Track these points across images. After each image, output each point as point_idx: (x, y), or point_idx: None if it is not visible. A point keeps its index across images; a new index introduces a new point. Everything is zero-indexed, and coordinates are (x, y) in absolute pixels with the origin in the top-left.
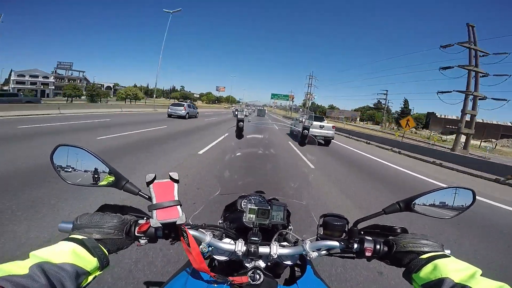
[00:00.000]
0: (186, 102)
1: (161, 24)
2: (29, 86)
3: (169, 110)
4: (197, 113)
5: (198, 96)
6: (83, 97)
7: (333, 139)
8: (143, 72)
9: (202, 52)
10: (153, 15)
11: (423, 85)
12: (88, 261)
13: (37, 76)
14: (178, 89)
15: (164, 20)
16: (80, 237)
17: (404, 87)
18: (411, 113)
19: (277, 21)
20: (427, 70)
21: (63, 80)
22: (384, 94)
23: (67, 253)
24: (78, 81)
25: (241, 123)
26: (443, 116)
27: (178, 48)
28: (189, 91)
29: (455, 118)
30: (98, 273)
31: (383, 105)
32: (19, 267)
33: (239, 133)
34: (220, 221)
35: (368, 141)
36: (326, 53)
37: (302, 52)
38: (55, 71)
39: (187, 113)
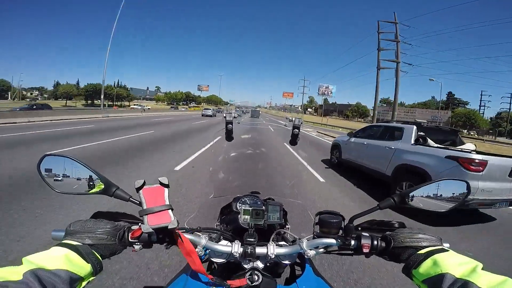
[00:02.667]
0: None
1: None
2: None
3: None
4: None
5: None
6: None
7: None
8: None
9: (182, 48)
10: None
11: None
12: (82, 267)
13: None
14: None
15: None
16: (73, 243)
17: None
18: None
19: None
20: None
21: None
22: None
23: (60, 259)
24: None
25: (230, 125)
26: None
27: (151, 42)
28: (158, 89)
29: None
30: (91, 278)
31: (462, 101)
32: (12, 273)
33: (229, 136)
34: (217, 224)
35: None
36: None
37: (307, 44)
38: None
39: None
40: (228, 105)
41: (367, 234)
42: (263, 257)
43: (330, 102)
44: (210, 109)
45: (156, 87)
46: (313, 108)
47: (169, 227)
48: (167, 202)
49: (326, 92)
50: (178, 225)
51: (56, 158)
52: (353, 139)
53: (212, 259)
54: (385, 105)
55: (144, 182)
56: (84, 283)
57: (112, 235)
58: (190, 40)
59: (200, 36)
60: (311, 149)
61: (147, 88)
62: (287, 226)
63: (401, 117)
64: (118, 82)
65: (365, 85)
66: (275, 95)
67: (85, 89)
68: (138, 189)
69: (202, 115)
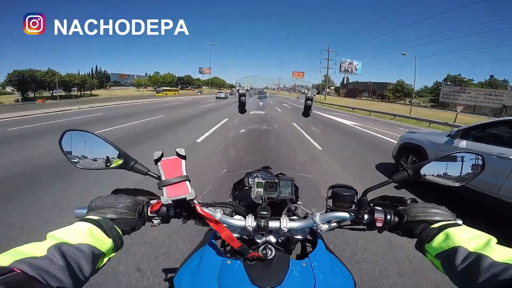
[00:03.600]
0: None
1: None
2: None
3: None
4: None
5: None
6: None
7: None
8: None
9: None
10: None
11: None
12: (104, 242)
13: None
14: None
15: None
16: (95, 217)
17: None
18: None
19: None
20: None
21: None
22: None
23: (84, 234)
24: None
25: (243, 97)
26: None
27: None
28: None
29: None
30: (112, 254)
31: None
32: (37, 249)
33: (242, 108)
34: (230, 199)
35: None
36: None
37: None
38: None
39: None
40: (239, 85)
41: (380, 209)
42: (276, 232)
43: (352, 81)
44: (223, 92)
45: (146, 74)
46: (331, 87)
47: (187, 199)
48: (185, 173)
49: (349, 69)
50: (195, 197)
51: (77, 132)
52: (469, 143)
53: None
54: (450, 83)
55: (162, 154)
56: (105, 259)
57: (132, 210)
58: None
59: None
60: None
61: (135, 76)
62: (298, 202)
63: (481, 101)
64: (97, 68)
65: (398, 62)
66: (284, 75)
67: (10, 78)
68: (156, 161)
69: (217, 98)
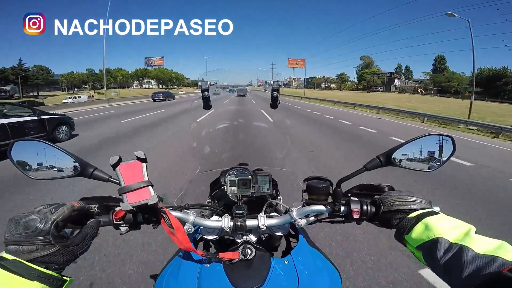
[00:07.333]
0: None
1: None
2: None
3: None
4: None
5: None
6: None
7: None
8: None
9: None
10: None
11: None
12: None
13: None
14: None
15: None
16: (10, 257)
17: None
18: None
19: None
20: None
21: None
22: None
23: None
24: None
25: (206, 93)
26: None
27: None
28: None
29: None
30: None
31: None
32: None
33: (206, 104)
34: (208, 200)
35: None
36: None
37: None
38: None
39: None
40: (202, 80)
41: (356, 199)
42: (256, 230)
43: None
44: (161, 93)
45: (87, 69)
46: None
47: (149, 203)
48: (146, 178)
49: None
50: (158, 201)
51: (27, 143)
52: None
53: (204, 236)
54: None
55: (120, 159)
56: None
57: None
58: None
59: None
60: None
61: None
62: (278, 197)
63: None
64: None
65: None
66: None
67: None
68: (114, 166)
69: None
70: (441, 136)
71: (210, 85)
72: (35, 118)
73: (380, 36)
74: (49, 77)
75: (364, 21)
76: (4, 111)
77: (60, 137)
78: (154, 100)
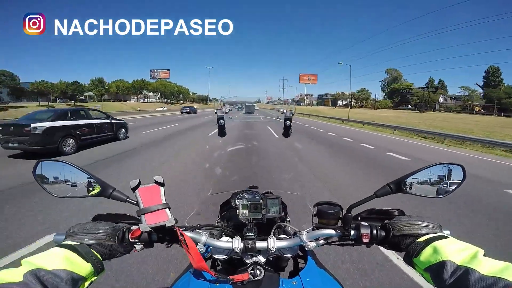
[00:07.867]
0: None
1: None
2: None
3: None
4: None
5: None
6: None
7: None
8: None
9: None
10: None
11: None
12: (82, 267)
13: None
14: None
15: None
16: (72, 243)
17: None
18: None
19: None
20: None
21: None
22: None
23: (59, 259)
24: None
25: (222, 121)
26: None
27: None
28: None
29: None
30: (94, 278)
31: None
32: (13, 275)
33: (221, 131)
34: (218, 220)
35: None
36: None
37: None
38: None
39: None
40: (219, 101)
41: (366, 224)
42: (265, 251)
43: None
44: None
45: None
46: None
47: (166, 225)
48: (164, 201)
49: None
50: (175, 223)
51: (51, 163)
52: None
53: (214, 256)
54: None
55: (140, 182)
56: (87, 283)
57: (111, 236)
58: None
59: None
60: None
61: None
62: (287, 219)
63: None
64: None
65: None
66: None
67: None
68: (134, 189)
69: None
70: (451, 165)
71: (225, 112)
72: (108, 121)
73: (405, 47)
74: (14, 84)
75: (387, 30)
76: (92, 114)
77: (120, 137)
78: (182, 113)
